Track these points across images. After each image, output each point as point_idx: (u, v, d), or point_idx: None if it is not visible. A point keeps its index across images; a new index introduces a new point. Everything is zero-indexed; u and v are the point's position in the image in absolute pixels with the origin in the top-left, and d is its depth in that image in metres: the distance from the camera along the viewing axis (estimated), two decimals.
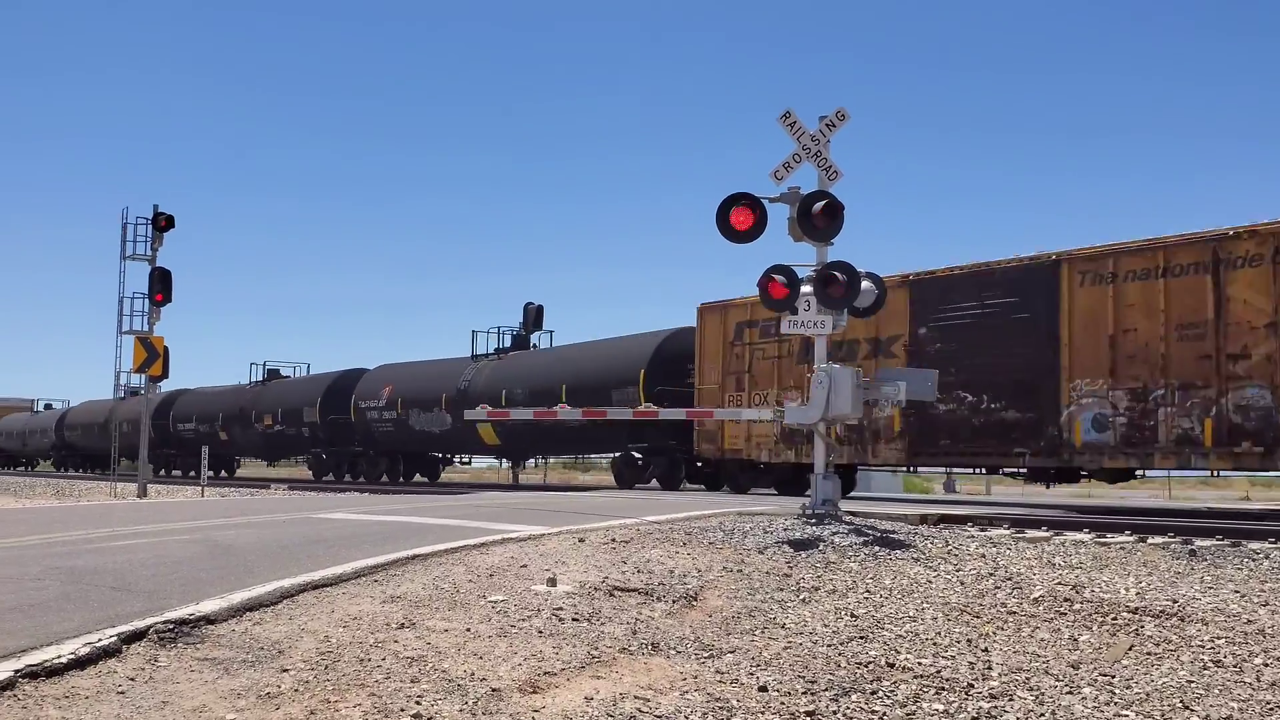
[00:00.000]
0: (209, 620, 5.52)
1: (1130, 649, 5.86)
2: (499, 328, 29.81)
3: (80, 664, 4.63)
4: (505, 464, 35.30)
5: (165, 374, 23.86)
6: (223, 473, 45.21)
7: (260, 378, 41.47)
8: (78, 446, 52.32)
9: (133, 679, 4.54)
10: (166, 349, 23.13)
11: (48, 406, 61.17)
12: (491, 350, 29.33)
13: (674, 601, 6.71)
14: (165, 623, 5.29)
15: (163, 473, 43.35)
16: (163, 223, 23.63)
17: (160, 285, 23.23)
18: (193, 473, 41.78)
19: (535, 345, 29.42)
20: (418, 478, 34.13)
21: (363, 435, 32.85)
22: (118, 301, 23.78)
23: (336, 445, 34.94)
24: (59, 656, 4.61)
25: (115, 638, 4.98)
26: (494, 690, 4.57)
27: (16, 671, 4.36)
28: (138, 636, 5.11)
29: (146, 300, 23.43)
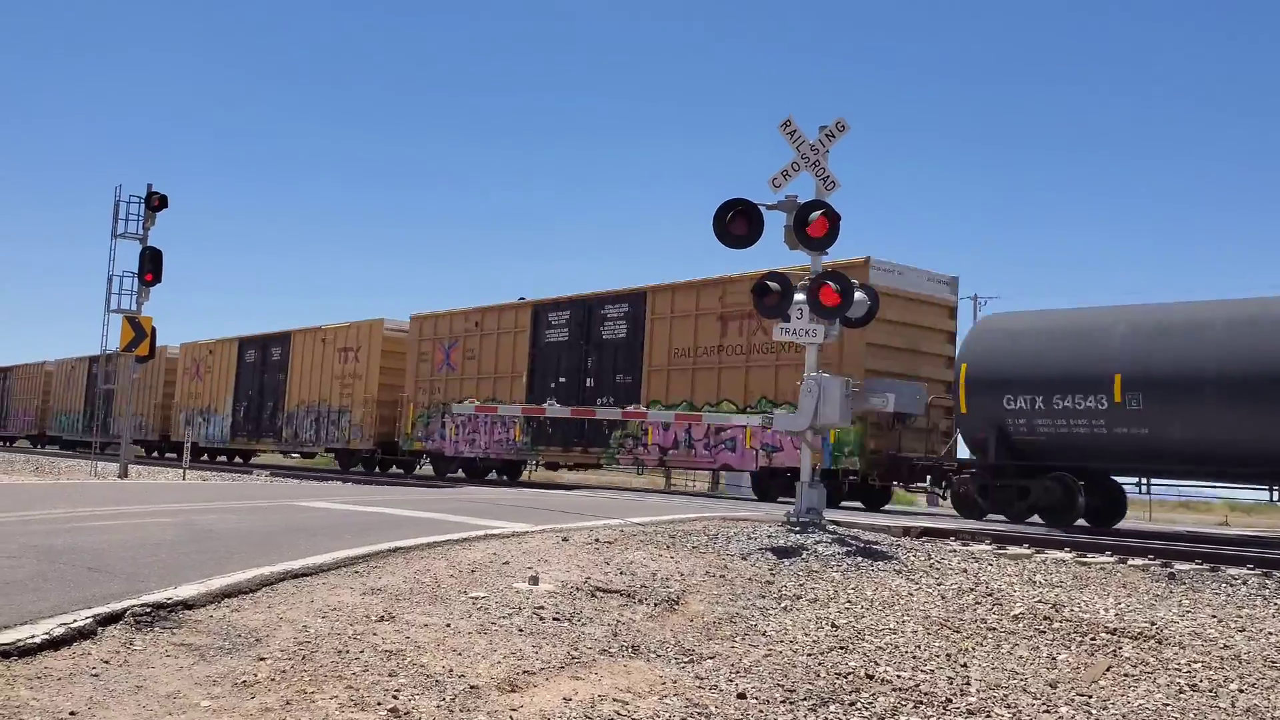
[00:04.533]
0: (187, 605, 5.47)
1: (1108, 670, 5.86)
2: None
3: (54, 644, 4.59)
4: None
5: (152, 354, 23.74)
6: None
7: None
8: None
9: (107, 662, 4.50)
10: (154, 329, 23.02)
11: None
12: None
13: (656, 605, 6.69)
14: (142, 606, 5.25)
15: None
16: (156, 202, 23.44)
17: (150, 265, 23.07)
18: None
19: None
20: None
21: None
22: (106, 280, 23.49)
23: None
24: (32, 636, 4.56)
25: (90, 619, 4.93)
26: (472, 687, 4.54)
27: None
28: (114, 619, 5.06)
29: (136, 279, 23.27)
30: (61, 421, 46.98)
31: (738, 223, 10.80)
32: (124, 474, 22.86)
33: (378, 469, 31.00)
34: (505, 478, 28.19)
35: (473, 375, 26.79)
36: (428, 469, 29.76)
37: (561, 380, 24.38)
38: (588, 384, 23.80)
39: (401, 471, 31.11)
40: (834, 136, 11.20)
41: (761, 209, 10.88)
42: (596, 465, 25.55)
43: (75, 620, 4.87)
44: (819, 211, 10.72)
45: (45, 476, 24.10)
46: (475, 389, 26.48)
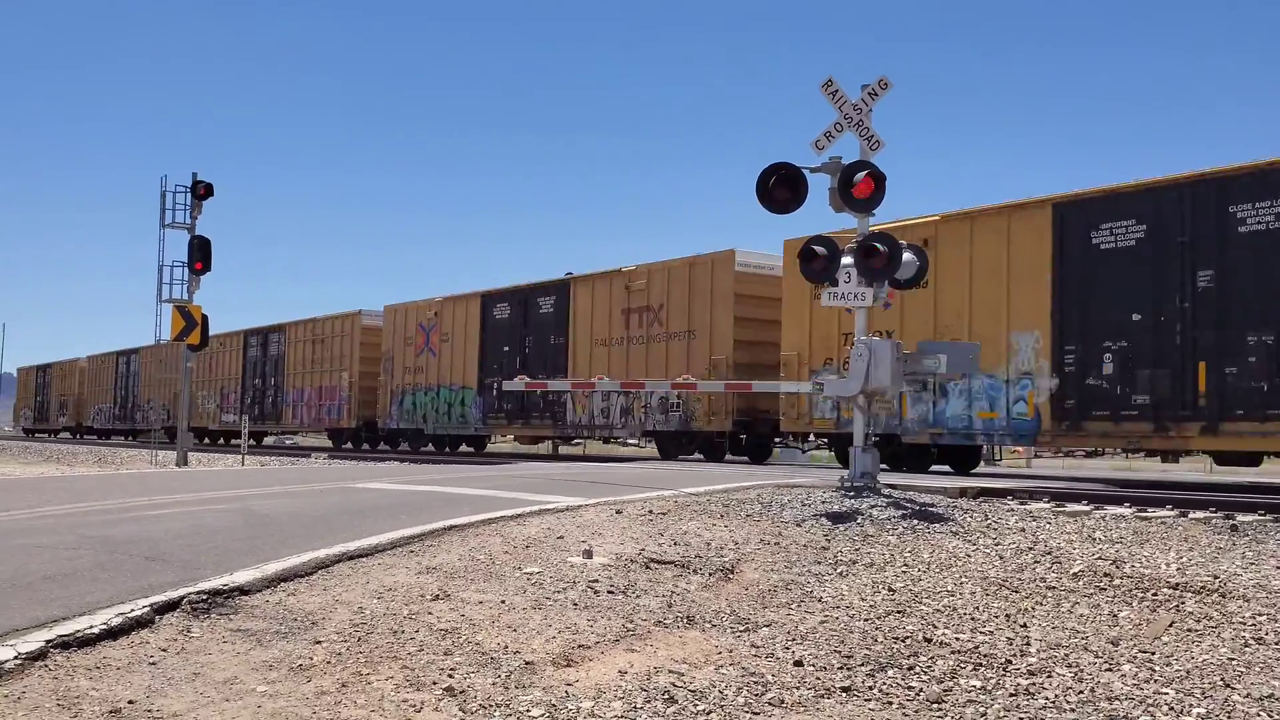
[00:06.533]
0: (243, 591, 5.51)
1: (1170, 625, 5.74)
2: None
3: (113, 634, 4.64)
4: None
5: (204, 343, 23.90)
6: None
7: None
8: None
9: (164, 650, 4.54)
10: (205, 317, 23.13)
11: None
12: None
13: (710, 574, 6.65)
14: (199, 593, 5.30)
15: None
16: (201, 191, 23.51)
17: (200, 254, 23.13)
18: None
19: None
20: None
21: None
22: (157, 270, 23.65)
23: None
24: (91, 627, 4.62)
25: (148, 608, 4.98)
26: (527, 663, 4.53)
27: (48, 642, 4.37)
28: (171, 607, 5.12)
29: (186, 269, 23.40)
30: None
31: (780, 188, 10.66)
32: (182, 462, 23.19)
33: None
34: None
35: None
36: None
37: None
38: None
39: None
40: (876, 95, 10.99)
41: (805, 172, 10.73)
42: None
43: (133, 610, 4.92)
44: (864, 172, 10.54)
45: (106, 467, 24.52)
46: None
